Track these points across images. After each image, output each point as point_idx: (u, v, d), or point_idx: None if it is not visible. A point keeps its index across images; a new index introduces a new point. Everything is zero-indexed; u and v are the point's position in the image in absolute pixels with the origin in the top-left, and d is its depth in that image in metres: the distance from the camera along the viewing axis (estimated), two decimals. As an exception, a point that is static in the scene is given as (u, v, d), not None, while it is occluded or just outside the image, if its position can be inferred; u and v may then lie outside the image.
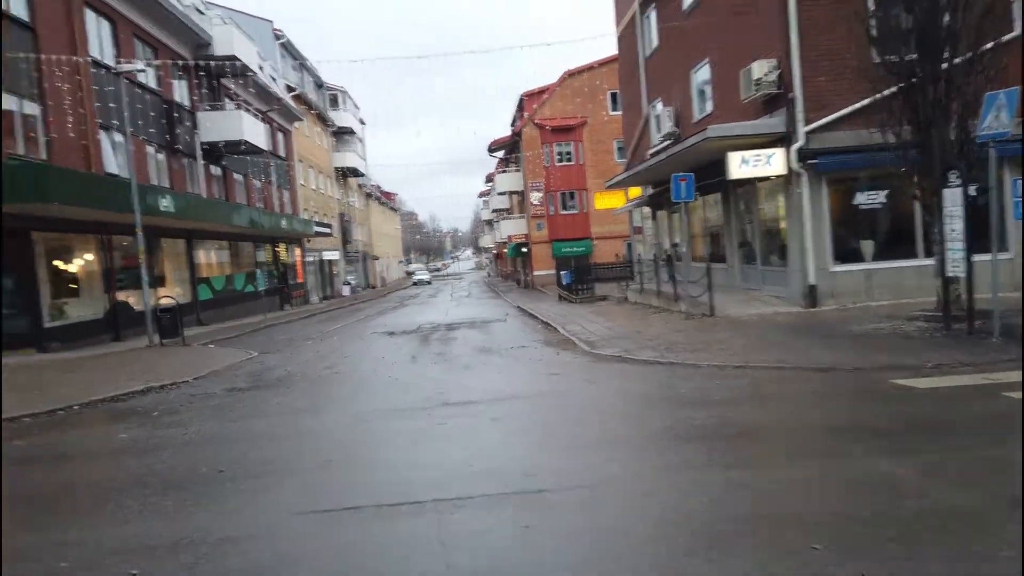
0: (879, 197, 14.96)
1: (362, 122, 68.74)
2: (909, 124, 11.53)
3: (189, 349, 16.62)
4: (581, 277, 25.24)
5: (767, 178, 15.94)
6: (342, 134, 57.70)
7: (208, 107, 29.20)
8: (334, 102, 56.90)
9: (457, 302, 35.57)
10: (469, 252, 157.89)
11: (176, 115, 25.66)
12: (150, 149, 23.98)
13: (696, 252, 22.17)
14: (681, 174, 14.93)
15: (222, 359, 14.36)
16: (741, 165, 14.85)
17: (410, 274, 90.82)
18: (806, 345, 10.33)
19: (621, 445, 6.05)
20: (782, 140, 14.92)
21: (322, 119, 51.49)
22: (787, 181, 15.10)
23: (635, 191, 29.16)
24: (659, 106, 22.94)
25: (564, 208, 44.84)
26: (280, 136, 39.84)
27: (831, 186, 14.91)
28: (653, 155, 20.66)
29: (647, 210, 27.76)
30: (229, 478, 5.69)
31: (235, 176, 31.87)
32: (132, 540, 4.45)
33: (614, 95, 42.94)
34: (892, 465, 4.91)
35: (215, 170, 29.73)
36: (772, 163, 14.77)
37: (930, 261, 14.66)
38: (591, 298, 24.77)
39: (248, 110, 31.50)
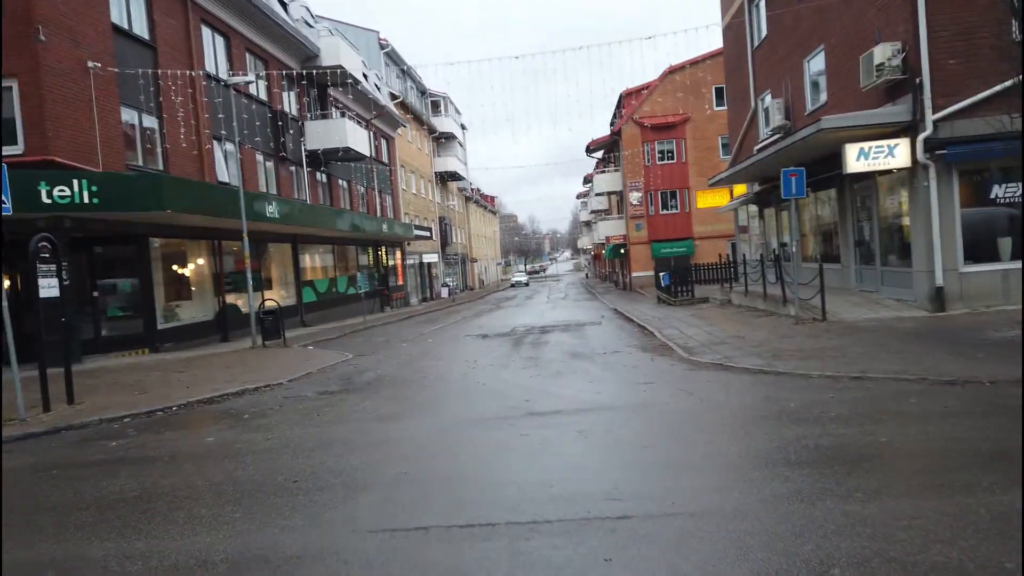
0: (1019, 190, 13.39)
1: (463, 127, 69.62)
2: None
3: (289, 350, 17.03)
4: (680, 278, 24.25)
5: (889, 171, 14.62)
6: (443, 139, 58.62)
7: (314, 116, 30.20)
8: (436, 108, 57.87)
9: (553, 304, 35.19)
10: (567, 254, 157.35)
11: (284, 124, 26.60)
12: (259, 157, 24.96)
13: (806, 252, 20.78)
14: (792, 168, 13.89)
15: (318, 361, 14.57)
16: (859, 158, 13.66)
17: (508, 277, 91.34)
18: (933, 354, 9.25)
19: (720, 468, 5.44)
20: (906, 130, 13.61)
21: (424, 125, 52.42)
22: (912, 174, 13.77)
23: (740, 188, 27.81)
24: (768, 99, 21.71)
25: (664, 208, 43.56)
26: (383, 142, 40.78)
27: (962, 179, 13.48)
28: (760, 150, 19.50)
29: (753, 208, 26.39)
30: (303, 490, 5.51)
31: (339, 182, 32.82)
32: (195, 554, 4.30)
33: (719, 90, 41.30)
34: (1047, 504, 4.10)
35: (320, 176, 30.70)
36: (895, 155, 13.50)
37: (1082, 260, 13.06)
38: (691, 301, 23.75)
39: (352, 118, 32.36)
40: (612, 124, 49.63)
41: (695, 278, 26.95)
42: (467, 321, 26.16)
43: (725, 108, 33.85)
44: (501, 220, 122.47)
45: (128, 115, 17.94)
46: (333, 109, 32.15)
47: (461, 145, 64.09)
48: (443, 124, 56.97)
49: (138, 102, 18.08)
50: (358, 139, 30.43)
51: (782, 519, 4.19)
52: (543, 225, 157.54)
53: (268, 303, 18.67)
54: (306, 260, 28.72)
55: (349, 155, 30.65)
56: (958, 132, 13.13)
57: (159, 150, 19.10)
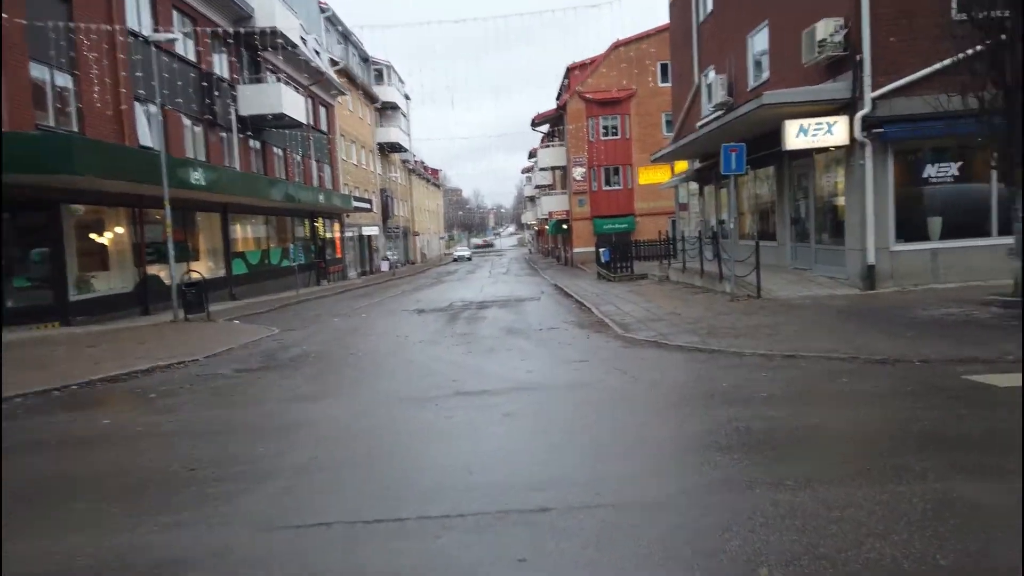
0: (951, 170, 13.59)
1: (407, 97, 68.09)
2: (995, 87, 10.21)
3: (212, 325, 16.22)
4: (621, 255, 24.17)
5: (826, 149, 14.64)
6: (386, 109, 57.12)
7: (248, 80, 28.83)
8: (379, 76, 56.31)
9: (494, 279, 34.85)
10: (512, 229, 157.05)
11: (214, 88, 25.26)
12: (186, 121, 23.65)
13: (743, 230, 20.89)
14: (732, 144, 13.75)
15: (242, 336, 13.87)
16: (799, 135, 13.61)
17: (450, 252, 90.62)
18: (865, 332, 9.23)
19: (649, 454, 5.16)
20: (845, 107, 13.60)
21: (366, 94, 50.93)
22: (849, 152, 13.80)
23: (682, 165, 27.83)
24: (711, 74, 21.59)
25: (608, 184, 43.52)
26: (322, 110, 39.40)
27: (897, 158, 13.57)
28: (703, 127, 19.39)
29: (694, 186, 26.44)
30: (199, 480, 5.01)
31: (274, 150, 31.53)
32: (54, 559, 3.78)
33: (664, 66, 41.21)
34: (976, 491, 3.94)
35: (254, 144, 29.39)
36: (834, 132, 13.49)
37: (1005, 240, 13.34)
38: (630, 277, 23.71)
39: (288, 83, 31.04)
40: (558, 98, 49.19)
41: (635, 254, 26.93)
42: (405, 295, 25.59)
43: (670, 85, 33.83)
44: (445, 194, 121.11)
45: (38, 71, 16.61)
46: (268, 74, 30.76)
47: (404, 116, 62.72)
48: (386, 93, 55.52)
49: (50, 58, 16.74)
50: (294, 105, 29.20)
51: (710, 510, 3.93)
52: (488, 200, 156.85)
53: (192, 274, 17.71)
54: (237, 230, 27.56)
55: (284, 122, 29.42)
56: (896, 111, 13.18)
57: (73, 110, 17.80)
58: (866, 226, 13.42)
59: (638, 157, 42.46)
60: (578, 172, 43.32)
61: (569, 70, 45.44)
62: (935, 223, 13.76)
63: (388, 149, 56.94)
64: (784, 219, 17.50)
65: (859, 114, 13.23)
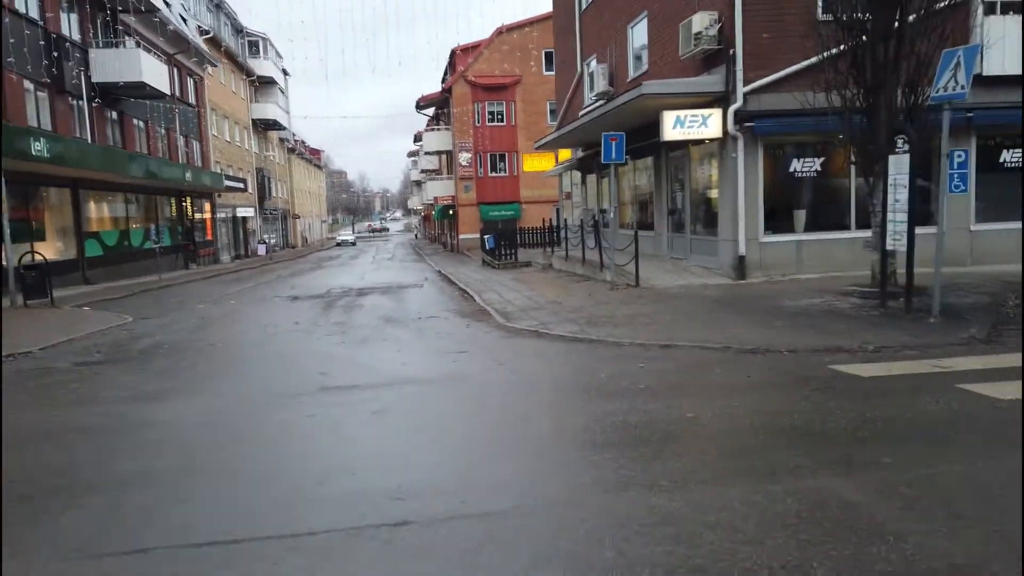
0: (815, 165, 14.24)
1: (285, 73, 65.02)
2: (856, 86, 10.67)
3: (56, 312, 14.64)
4: (505, 242, 24.02)
5: (702, 141, 14.98)
6: (262, 84, 54.24)
7: (103, 44, 26.33)
8: (254, 49, 53.36)
9: (377, 265, 33.94)
10: (399, 214, 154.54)
11: (62, 51, 22.86)
12: (28, 86, 21.27)
13: (624, 219, 21.24)
14: (612, 133, 13.78)
15: (88, 324, 12.56)
16: (676, 126, 13.81)
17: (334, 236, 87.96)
18: (736, 322, 9.42)
19: (523, 455, 4.87)
20: (719, 101, 13.93)
21: (240, 67, 48.12)
22: (722, 145, 14.17)
23: (565, 154, 28.02)
24: (593, 64, 21.71)
25: (493, 170, 43.37)
26: (190, 81, 36.80)
27: (767, 152, 14.06)
28: (585, 115, 19.44)
29: (577, 175, 26.68)
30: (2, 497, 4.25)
31: (135, 122, 29.09)
32: None
33: (549, 55, 41.39)
34: (848, 487, 3.91)
35: (110, 114, 26.95)
36: (709, 124, 13.78)
37: (862, 234, 14.11)
38: (514, 264, 23.63)
39: (149, 49, 28.64)
40: (444, 81, 48.41)
41: (520, 242, 26.90)
42: (281, 281, 24.34)
43: (554, 74, 33.98)
44: (329, 176, 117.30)
45: None
46: (127, 38, 28.23)
47: (282, 92, 59.90)
48: (262, 67, 52.72)
49: None
50: (156, 74, 26.98)
51: (583, 518, 3.67)
52: (374, 183, 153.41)
53: (34, 256, 15.88)
54: (91, 209, 25.24)
55: (145, 92, 27.12)
56: (765, 106, 13.62)
57: None
58: (738, 218, 13.84)
59: (524, 144, 42.53)
60: (464, 157, 42.89)
61: (454, 52, 44.80)
62: (800, 216, 14.40)
63: (265, 127, 54.20)
64: (662, 209, 17.86)
65: (732, 108, 13.58)
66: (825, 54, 10.94)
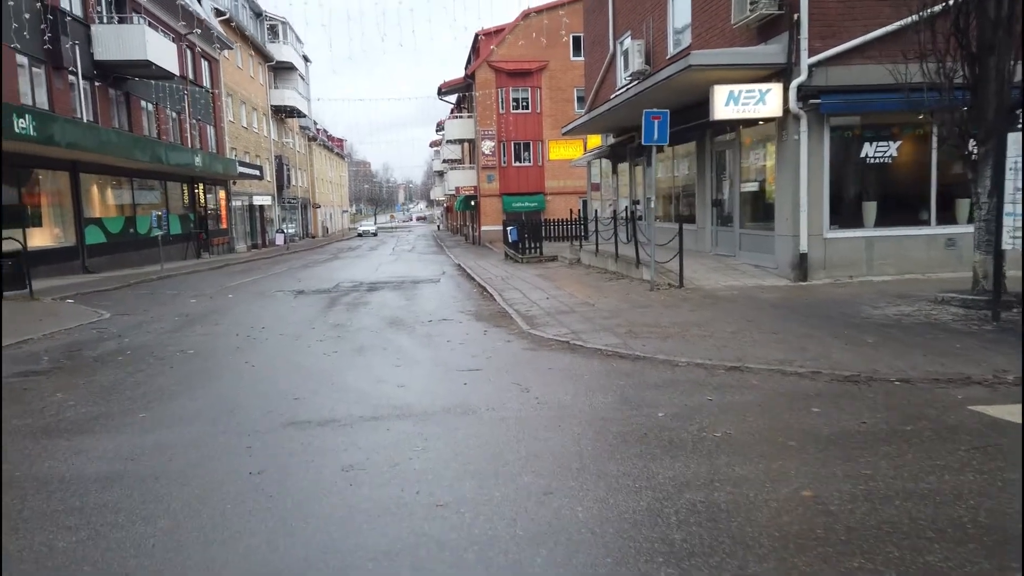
0: (889, 150, 12.32)
1: (306, 59, 63.71)
2: (959, 52, 8.79)
3: (31, 306, 13.19)
4: (530, 234, 22.28)
5: (755, 122, 13.13)
6: (281, 70, 52.90)
7: (107, 19, 24.97)
8: (273, 33, 51.95)
9: (396, 256, 32.44)
10: (422, 205, 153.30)
11: (62, 25, 21.48)
12: (22, 60, 19.92)
13: (660, 212, 19.41)
14: (654, 111, 11.97)
15: (57, 321, 11.07)
16: (729, 103, 11.97)
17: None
18: (814, 336, 7.63)
19: (552, 558, 3.16)
20: (780, 74, 12.07)
21: (258, 51, 46.78)
22: (781, 126, 12.30)
23: (595, 140, 26.19)
24: (627, 41, 19.86)
25: (517, 160, 41.57)
26: (204, 64, 35.47)
27: (834, 134, 12.18)
28: (618, 96, 17.59)
29: (607, 164, 24.83)
30: None
31: (142, 104, 27.74)
32: None
33: (577, 39, 39.52)
34: None
35: (115, 94, 25.60)
36: (767, 101, 11.92)
37: (944, 230, 12.29)
38: (539, 259, 21.88)
39: (156, 27, 27.25)
40: (467, 66, 46.61)
41: (545, 235, 25.14)
42: (291, 273, 22.85)
43: (582, 59, 32.13)
44: (352, 166, 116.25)
45: None
46: (135, 16, 26.84)
47: (302, 78, 58.53)
48: (281, 52, 51.31)
49: None
50: (162, 53, 25.56)
51: None
52: (398, 174, 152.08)
53: (8, 244, 14.46)
54: (93, 193, 23.91)
55: (152, 72, 25.74)
56: (834, 80, 11.74)
57: None
58: (799, 210, 11.98)
59: (549, 133, 40.73)
60: (487, 146, 41.14)
61: (477, 37, 43.01)
62: (871, 209, 12.50)
63: (284, 113, 52.85)
64: (705, 201, 16.01)
65: (794, 82, 11.70)
66: (920, 14, 9.03)
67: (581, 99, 39.84)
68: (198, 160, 29.30)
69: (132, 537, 3.44)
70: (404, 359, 7.74)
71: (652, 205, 12.66)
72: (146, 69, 25.31)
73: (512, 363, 7.34)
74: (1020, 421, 4.71)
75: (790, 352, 6.94)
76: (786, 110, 11.90)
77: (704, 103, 14.11)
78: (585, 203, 37.52)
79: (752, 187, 13.94)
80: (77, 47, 22.26)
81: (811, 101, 11.69)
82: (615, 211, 18.89)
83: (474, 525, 3.47)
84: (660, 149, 18.51)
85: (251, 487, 4.06)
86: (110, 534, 3.49)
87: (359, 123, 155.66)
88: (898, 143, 12.29)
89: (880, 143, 12.26)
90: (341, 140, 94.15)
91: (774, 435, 4.67)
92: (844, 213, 12.38)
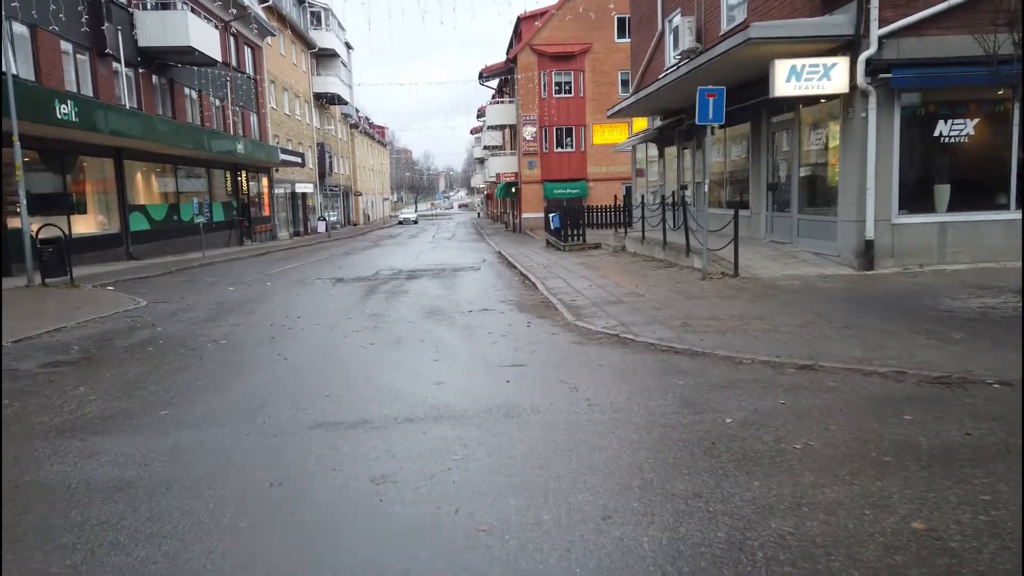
0: (966, 128, 11.38)
1: (348, 46, 63.73)
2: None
3: (70, 293, 13.11)
4: (572, 221, 21.65)
5: (817, 100, 12.30)
6: (324, 56, 52.93)
7: (151, 5, 25.02)
8: (316, 20, 51.95)
9: (436, 244, 32.13)
10: (462, 193, 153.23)
11: (106, 11, 21.52)
12: (65, 47, 19.98)
13: (710, 197, 18.58)
14: (710, 88, 11.24)
15: (93, 309, 10.91)
16: (790, 79, 11.17)
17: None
18: (891, 331, 6.92)
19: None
20: (846, 47, 11.22)
21: (301, 38, 46.79)
22: (846, 103, 11.46)
23: (640, 123, 25.36)
24: (677, 18, 18.99)
25: (559, 146, 40.80)
26: (247, 51, 35.52)
27: (905, 112, 11.29)
28: (667, 76, 16.80)
29: (652, 150, 24.00)
30: None
31: (185, 90, 27.82)
32: None
33: (622, 21, 38.53)
34: None
35: (159, 81, 25.68)
36: (832, 77, 11.09)
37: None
38: (582, 246, 21.25)
39: (199, 13, 27.24)
40: (509, 51, 45.91)
41: (588, 221, 24.50)
42: (331, 260, 22.66)
43: (627, 41, 31.21)
44: (394, 154, 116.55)
45: None
46: (179, 1, 26.84)
47: (344, 65, 58.49)
48: (324, 39, 51.27)
49: None
50: (205, 39, 25.52)
51: None
52: (439, 162, 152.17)
53: (48, 230, 14.42)
54: (138, 180, 24.04)
55: (195, 58, 25.73)
56: (906, 53, 10.86)
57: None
58: (865, 193, 11.15)
59: (592, 118, 39.84)
60: (528, 132, 40.46)
61: (519, 20, 42.25)
62: (943, 192, 11.58)
63: (327, 101, 52.90)
64: (759, 185, 15.18)
65: (863, 55, 10.84)
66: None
67: (625, 83, 38.86)
68: (240, 147, 29.32)
69: (131, 563, 3.02)
70: (443, 352, 7.27)
71: (706, 189, 11.91)
72: (189, 55, 25.30)
73: (558, 358, 6.81)
74: None
75: (868, 349, 6.26)
76: (853, 86, 11.06)
77: (761, 81, 13.31)
78: (628, 189, 36.68)
79: (812, 170, 13.10)
80: (120, 33, 22.29)
81: (881, 76, 10.83)
82: (663, 196, 18.14)
83: (521, 557, 2.96)
84: (711, 131, 17.72)
85: (270, 501, 3.62)
86: (108, 558, 3.07)
87: (401, 111, 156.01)
88: (975, 121, 11.34)
89: (955, 121, 11.32)
90: (383, 128, 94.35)
91: (864, 448, 4.05)
92: (914, 197, 11.49)
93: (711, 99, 11.22)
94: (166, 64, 25.51)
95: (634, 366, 6.29)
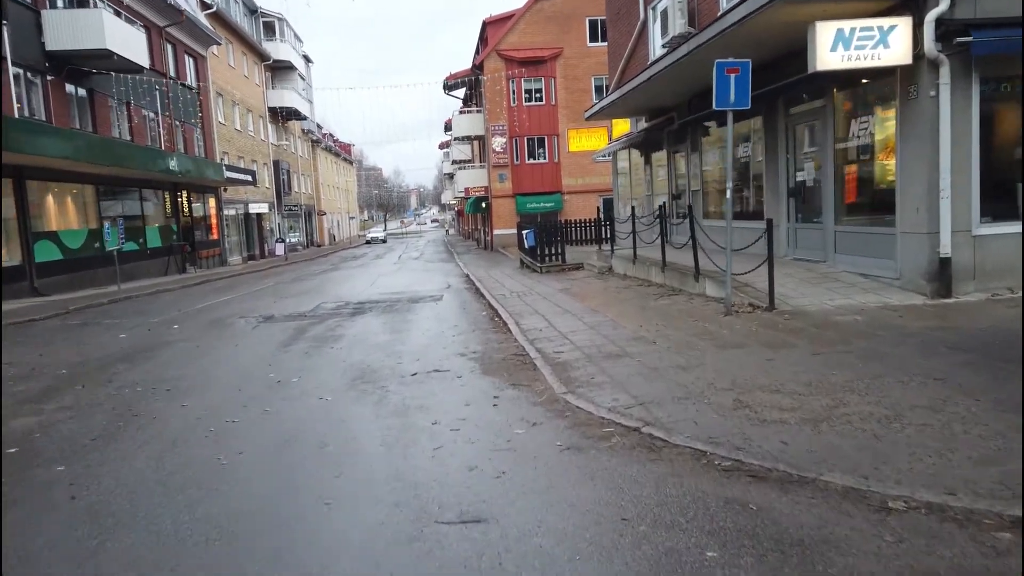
0: (1067, 108, 8.74)
1: (308, 59, 60.74)
2: None
3: None
4: (548, 238, 18.81)
5: (859, 80, 9.63)
6: (280, 69, 49.77)
7: (58, 4, 21.87)
8: (270, 31, 48.90)
9: (400, 265, 29.20)
10: (435, 210, 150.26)
11: (9, 12, 18.38)
12: (-51, 50, 16.81)
13: (708, 206, 15.90)
14: (730, 61, 8.48)
15: None
16: (836, 47, 8.45)
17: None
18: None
19: None
20: (905, 6, 8.56)
21: (254, 49, 43.70)
22: (906, 79, 8.78)
23: (622, 126, 22.71)
24: (663, 2, 16.35)
25: (531, 156, 38.10)
26: (189, 61, 32.39)
27: (985, 88, 8.63)
28: (656, 64, 14.07)
29: (636, 156, 21.31)
30: None
31: (110, 102, 24.59)
32: None
33: (594, 23, 36.15)
34: None
35: (75, 91, 22.46)
36: (890, 43, 8.40)
37: None
38: (561, 267, 18.41)
39: (119, 13, 24.12)
40: (475, 57, 43.26)
41: (565, 237, 21.75)
42: (275, 289, 19.60)
43: (600, 44, 28.72)
44: (361, 171, 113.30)
45: None
46: (100, 3, 23.69)
47: (302, 78, 55.41)
48: (279, 51, 48.22)
49: None
50: (126, 42, 22.42)
51: None
52: (411, 180, 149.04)
53: None
54: (47, 204, 20.76)
55: (114, 63, 22.55)
56: (987, 11, 8.23)
57: None
58: (939, 197, 8.44)
59: (565, 127, 37.28)
60: (498, 143, 37.72)
61: (486, 24, 39.64)
62: (1035, 193, 8.94)
63: (285, 116, 49.72)
64: (777, 190, 12.47)
65: (931, 13, 8.17)
66: None
67: (600, 88, 36.33)
68: (175, 164, 26.07)
69: None
70: (346, 479, 4.28)
71: (730, 195, 9.09)
72: (107, 60, 22.12)
73: (545, 489, 3.87)
74: None
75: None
76: (918, 55, 8.37)
77: (782, 60, 10.68)
78: (605, 201, 34.07)
79: (853, 168, 10.39)
80: (33, 39, 19.13)
81: (958, 40, 8.16)
82: (662, 207, 15.38)
83: None
84: (731, 116, 15.08)
85: None
86: None
87: (368, 128, 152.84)
88: (1073, 99, 8.73)
89: (1050, 99, 8.69)
90: (348, 145, 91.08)
91: None
92: (998, 201, 8.81)
93: (732, 76, 8.46)
94: (82, 71, 22.30)
95: (688, 515, 3.39)
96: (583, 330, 8.70)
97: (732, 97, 8.47)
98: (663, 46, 16.22)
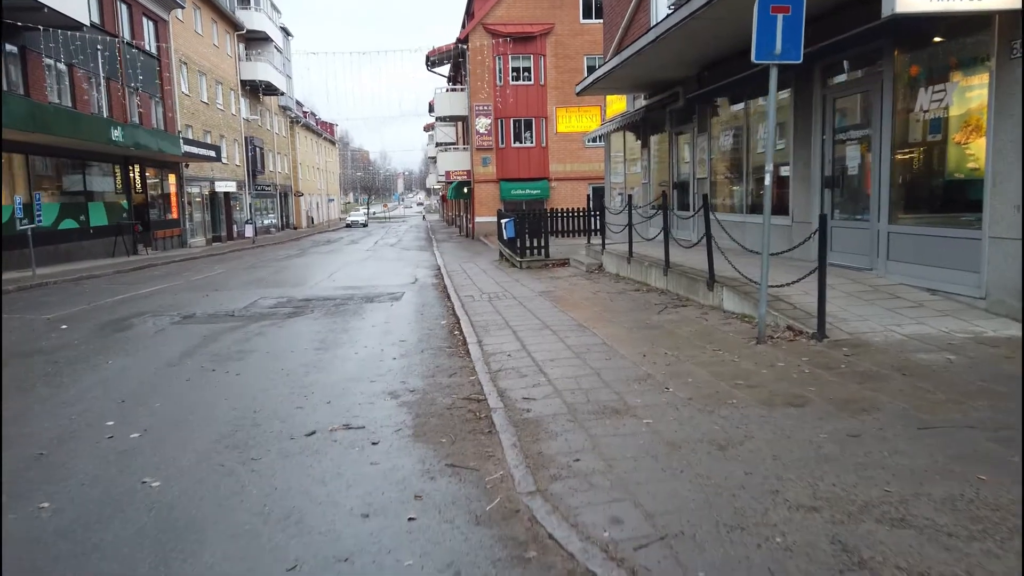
0: None
1: (286, 32, 57.80)
2: None
3: None
4: (531, 229, 16.47)
5: (930, 39, 7.37)
6: (255, 40, 46.88)
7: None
8: (244, -1, 45.99)
9: (372, 252, 26.89)
10: (421, 195, 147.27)
11: None
12: None
13: (717, 198, 13.65)
14: (777, 0, 6.19)
15: None
16: (924, -21, 6.19)
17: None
18: None
19: None
20: (1017, -73, 6.29)
21: (225, 17, 40.84)
22: (1007, 31, 6.52)
23: (618, 105, 20.39)
24: (670, -44, 13.98)
25: (517, 140, 35.64)
26: (148, 24, 29.66)
27: (1117, 45, 6.39)
28: (661, 25, 11.71)
29: (631, 139, 19.00)
30: None
31: (45, 61, 21.88)
32: None
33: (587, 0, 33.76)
34: None
35: (3, 46, 19.81)
36: (998, -23, 6.15)
37: None
38: (544, 262, 16.10)
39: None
40: (461, 31, 40.63)
41: (551, 228, 19.44)
42: (222, 278, 17.26)
43: (594, 22, 26.37)
44: (345, 153, 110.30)
45: None
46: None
47: (280, 51, 52.47)
48: (253, 20, 45.34)
49: None
50: (60, -7, 19.74)
51: None
52: (398, 163, 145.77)
53: None
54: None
55: (46, 17, 19.89)
56: None
57: None
58: (1052, 189, 6.21)
59: (554, 109, 34.85)
60: (482, 124, 35.21)
61: (473, -3, 37.02)
62: None
63: (260, 90, 46.91)
64: (809, 180, 10.21)
65: (1054, -58, 5.91)
66: None
67: (592, 68, 33.94)
68: (119, 134, 23.41)
69: None
70: None
71: (769, 180, 6.74)
72: (37, 13, 19.48)
73: None
74: None
75: None
76: (1031, -3, 6.12)
77: (827, 15, 8.38)
78: (595, 190, 31.78)
79: (918, 153, 8.14)
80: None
81: (1093, -27, 5.92)
82: (664, 195, 13.08)
83: None
84: (727, 102, 12.84)
85: None
86: None
87: (355, 109, 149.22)
88: None
89: None
90: (331, 124, 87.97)
91: None
92: (1121, 197, 6.61)
93: (779, 16, 6.14)
94: (11, 24, 19.63)
95: None
96: (566, 359, 6.41)
97: (778, 47, 6.16)
98: (670, 6, 13.86)
